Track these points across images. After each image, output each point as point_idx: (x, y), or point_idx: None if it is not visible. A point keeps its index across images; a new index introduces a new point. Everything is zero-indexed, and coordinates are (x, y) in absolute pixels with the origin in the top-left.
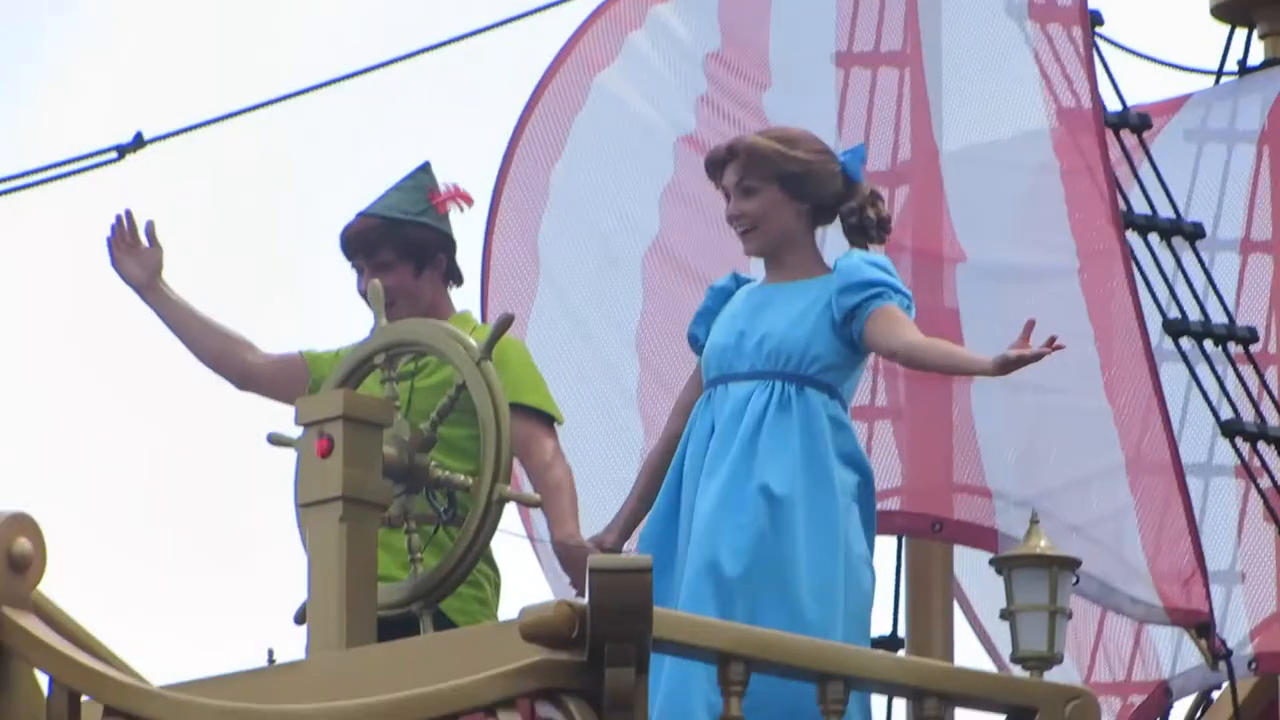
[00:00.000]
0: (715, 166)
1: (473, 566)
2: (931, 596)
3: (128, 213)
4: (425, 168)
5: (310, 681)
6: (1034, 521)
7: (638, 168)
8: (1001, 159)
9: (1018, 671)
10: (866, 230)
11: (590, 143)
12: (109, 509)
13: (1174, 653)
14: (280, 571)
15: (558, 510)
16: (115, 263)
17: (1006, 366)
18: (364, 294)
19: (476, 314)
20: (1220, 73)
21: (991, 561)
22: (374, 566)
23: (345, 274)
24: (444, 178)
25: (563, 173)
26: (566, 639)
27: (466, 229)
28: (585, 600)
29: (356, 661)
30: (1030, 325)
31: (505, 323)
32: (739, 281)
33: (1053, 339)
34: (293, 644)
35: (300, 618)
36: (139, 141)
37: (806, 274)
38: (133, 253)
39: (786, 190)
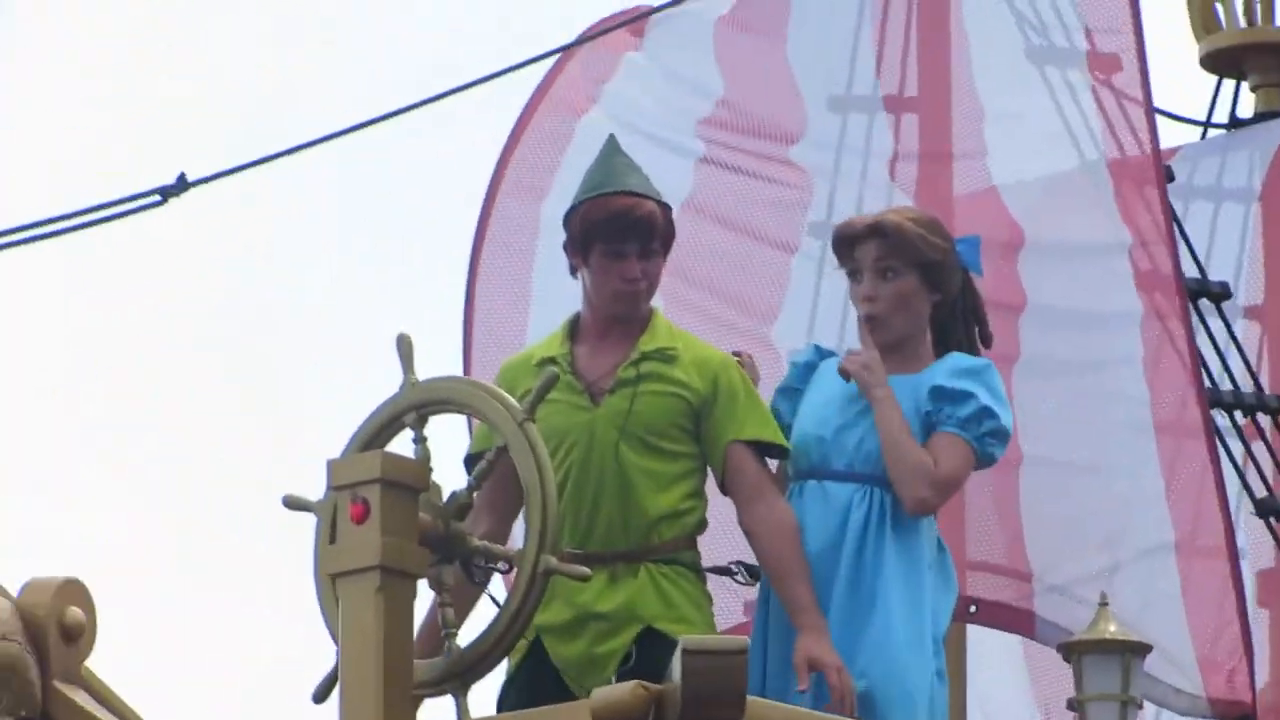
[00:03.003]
0: (847, 242)
1: (514, 644)
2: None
3: None
4: (616, 144)
5: None
6: (1103, 604)
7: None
8: (1060, 201)
9: None
10: (969, 332)
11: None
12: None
13: None
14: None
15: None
16: None
17: None
18: (631, 278)
19: None
20: (1208, 125)
21: (1059, 647)
22: (411, 641)
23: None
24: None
25: (554, 205)
26: None
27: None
28: (660, 683)
29: None
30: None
31: (551, 380)
32: (822, 355)
33: None
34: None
35: (321, 695)
36: (183, 184)
37: (912, 368)
38: None
39: (925, 279)
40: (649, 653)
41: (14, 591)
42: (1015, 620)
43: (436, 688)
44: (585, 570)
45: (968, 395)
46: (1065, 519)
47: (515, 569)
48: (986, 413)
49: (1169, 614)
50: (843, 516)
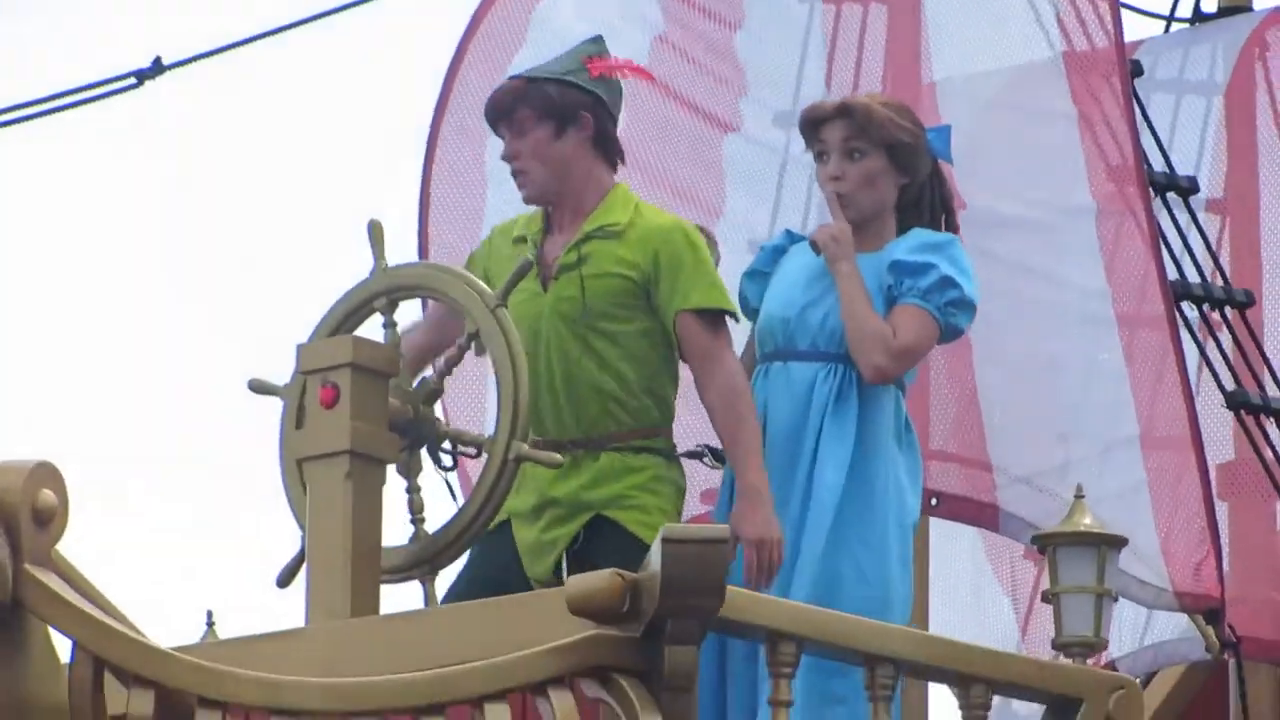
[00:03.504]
0: (814, 124)
1: (483, 530)
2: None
3: None
4: (596, 39)
5: (316, 652)
6: (1079, 496)
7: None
8: (1007, 97)
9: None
10: (935, 220)
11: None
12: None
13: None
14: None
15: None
16: None
17: None
18: (506, 158)
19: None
20: (1171, 19)
21: (1034, 540)
22: (380, 527)
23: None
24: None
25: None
26: (617, 613)
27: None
28: (639, 571)
29: (368, 631)
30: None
31: (525, 268)
32: (793, 239)
33: None
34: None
35: (285, 579)
36: (158, 67)
37: (875, 247)
38: None
39: (893, 160)
40: (597, 540)
41: None
42: (979, 514)
43: (404, 573)
44: (557, 457)
45: (928, 266)
46: (1025, 412)
47: (485, 455)
48: (948, 282)
49: (1134, 506)
50: (807, 396)
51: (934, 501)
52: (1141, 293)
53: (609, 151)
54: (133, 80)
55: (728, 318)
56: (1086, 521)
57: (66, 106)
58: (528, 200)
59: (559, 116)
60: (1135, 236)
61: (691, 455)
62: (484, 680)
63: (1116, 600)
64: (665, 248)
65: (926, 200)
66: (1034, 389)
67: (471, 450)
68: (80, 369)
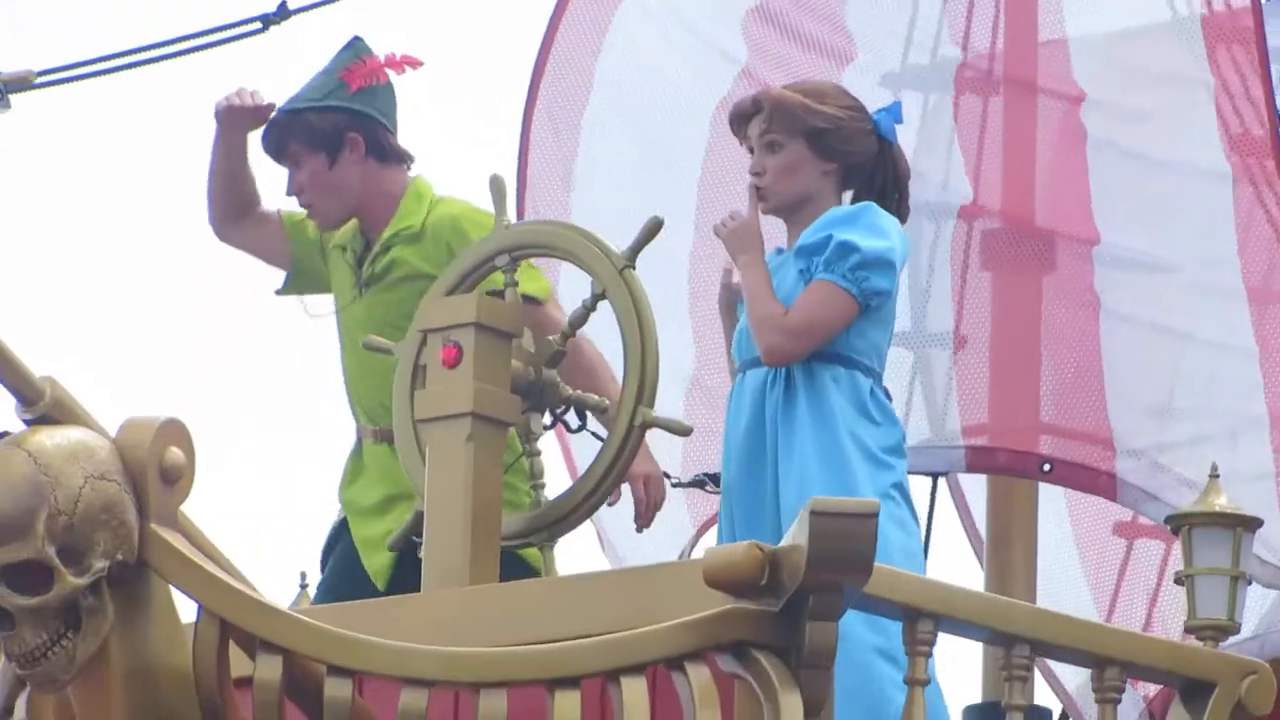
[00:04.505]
0: (740, 121)
1: (605, 497)
2: (1012, 548)
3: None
4: (351, 44)
5: (436, 619)
6: (1213, 475)
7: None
8: (1140, 58)
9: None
10: (886, 198)
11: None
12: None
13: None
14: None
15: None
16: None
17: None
18: (290, 193)
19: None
20: None
21: (1167, 520)
22: (499, 492)
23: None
24: (381, 48)
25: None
26: (755, 586)
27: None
28: (776, 543)
29: (487, 599)
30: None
31: (655, 226)
32: (780, 253)
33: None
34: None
35: (397, 542)
36: (284, 11)
37: None
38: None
39: (813, 147)
40: None
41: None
42: (1094, 482)
43: (523, 540)
44: (685, 424)
45: (825, 240)
46: (1150, 384)
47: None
48: (845, 247)
49: (1257, 487)
50: (760, 401)
51: (1046, 467)
52: (1273, 268)
53: (390, 156)
54: (258, 25)
55: None
56: (1221, 502)
57: (191, 50)
58: (324, 229)
59: (326, 145)
60: (1271, 209)
61: (693, 484)
62: (620, 653)
63: (1250, 583)
64: (456, 238)
65: (878, 182)
66: (1160, 361)
67: (575, 423)
68: (184, 318)
